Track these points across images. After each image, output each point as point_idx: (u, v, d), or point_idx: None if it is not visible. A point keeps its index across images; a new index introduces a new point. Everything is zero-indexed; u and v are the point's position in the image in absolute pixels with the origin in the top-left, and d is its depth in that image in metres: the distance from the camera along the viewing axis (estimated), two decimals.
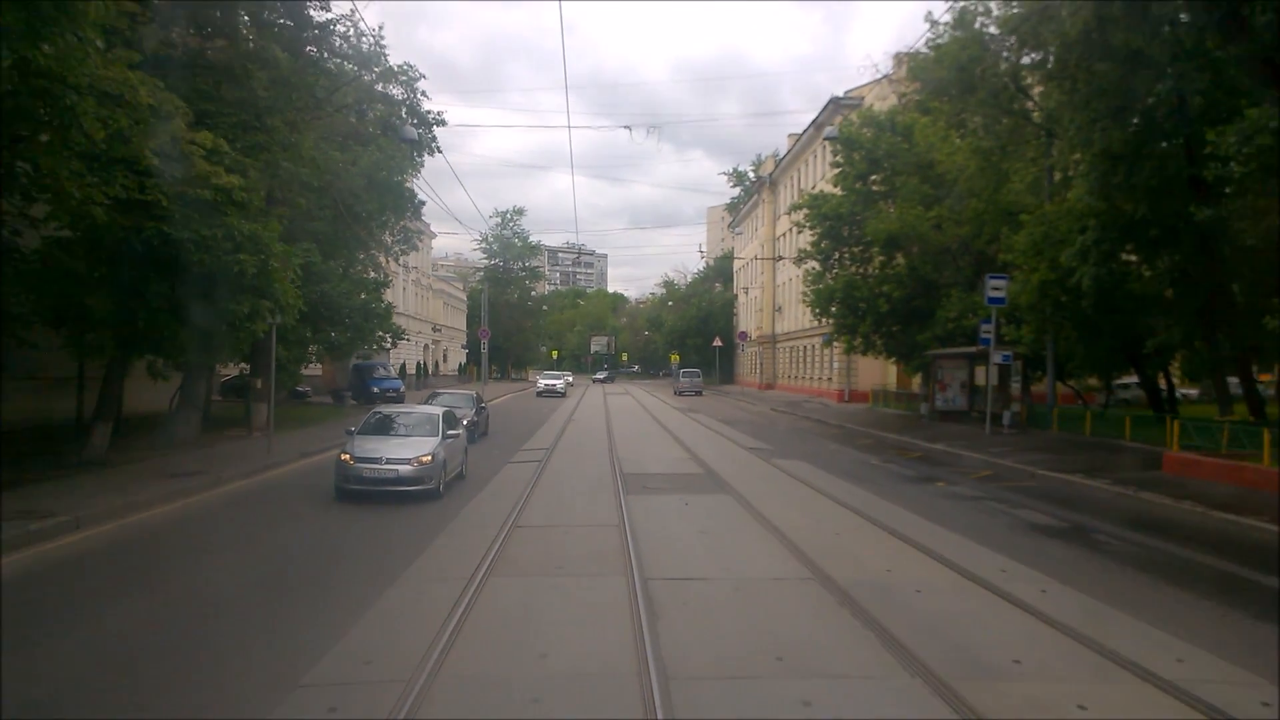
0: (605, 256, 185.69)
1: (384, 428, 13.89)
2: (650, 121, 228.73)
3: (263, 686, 5.66)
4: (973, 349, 27.09)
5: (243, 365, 25.97)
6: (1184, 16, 14.34)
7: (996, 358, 24.74)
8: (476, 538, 10.17)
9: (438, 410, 14.74)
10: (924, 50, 24.60)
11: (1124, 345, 23.64)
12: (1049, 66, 18.28)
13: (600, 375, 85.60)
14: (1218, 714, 5.35)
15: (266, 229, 13.82)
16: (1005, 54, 21.71)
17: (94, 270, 13.39)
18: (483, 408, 24.31)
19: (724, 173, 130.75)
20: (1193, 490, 13.84)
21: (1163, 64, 15.18)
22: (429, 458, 12.69)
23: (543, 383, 54.48)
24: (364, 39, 24.16)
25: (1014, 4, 20.95)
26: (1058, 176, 24.16)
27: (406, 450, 12.75)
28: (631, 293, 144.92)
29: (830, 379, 49.63)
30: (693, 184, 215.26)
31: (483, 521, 11.27)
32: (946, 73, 23.61)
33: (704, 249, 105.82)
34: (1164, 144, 18.32)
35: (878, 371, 42.99)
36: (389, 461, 12.43)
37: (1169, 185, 17.76)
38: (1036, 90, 22.81)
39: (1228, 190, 15.64)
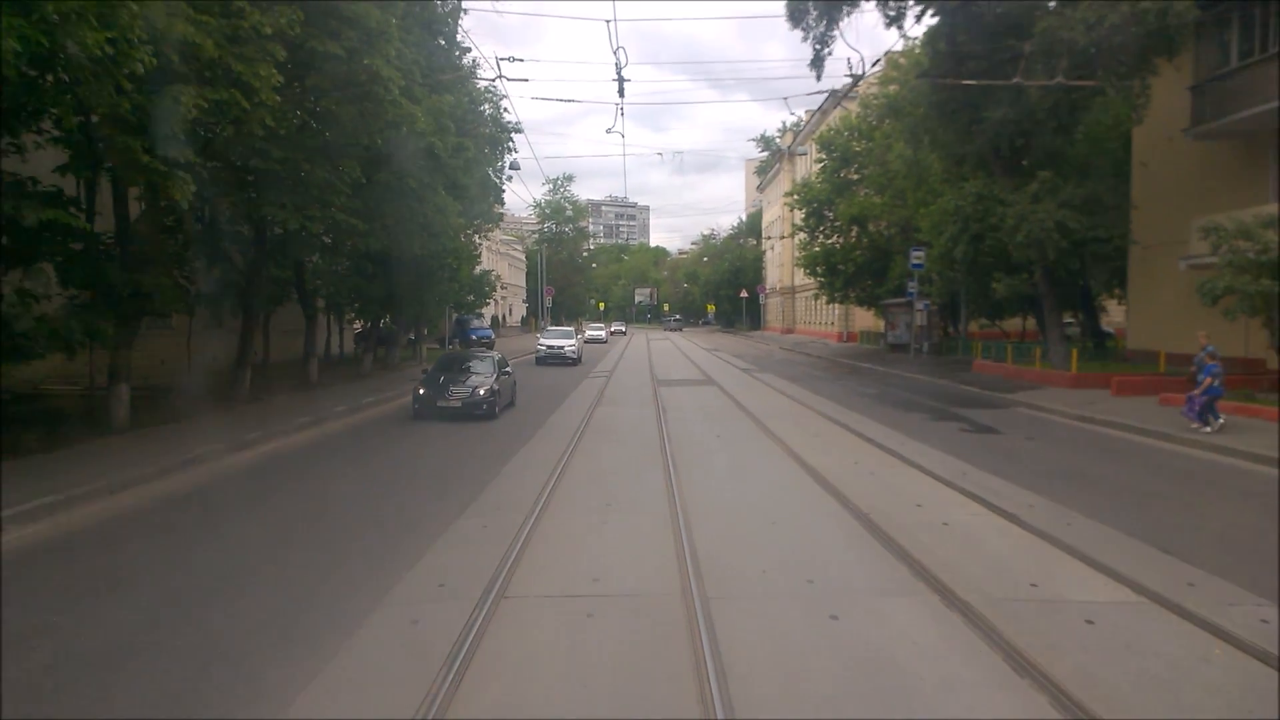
0: (647, 208, 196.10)
1: None
2: (695, 66, 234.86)
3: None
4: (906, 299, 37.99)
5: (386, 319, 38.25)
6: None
7: (919, 305, 35.69)
8: (590, 398, 21.79)
9: None
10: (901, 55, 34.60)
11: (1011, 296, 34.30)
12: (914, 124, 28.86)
13: (616, 326, 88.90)
14: (854, 431, 16.69)
15: (466, 244, 25.53)
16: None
17: (372, 271, 25.10)
18: (507, 372, 20.00)
19: (753, 139, 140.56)
20: (970, 379, 24.93)
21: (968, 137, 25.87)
22: None
23: (543, 343, 37.20)
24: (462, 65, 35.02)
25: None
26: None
27: None
28: (674, 243, 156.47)
29: (833, 323, 60.48)
30: (736, 129, 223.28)
31: (584, 396, 22.86)
32: (883, 107, 34.23)
33: (715, 229, 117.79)
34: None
35: (870, 317, 53.66)
36: None
37: None
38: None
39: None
